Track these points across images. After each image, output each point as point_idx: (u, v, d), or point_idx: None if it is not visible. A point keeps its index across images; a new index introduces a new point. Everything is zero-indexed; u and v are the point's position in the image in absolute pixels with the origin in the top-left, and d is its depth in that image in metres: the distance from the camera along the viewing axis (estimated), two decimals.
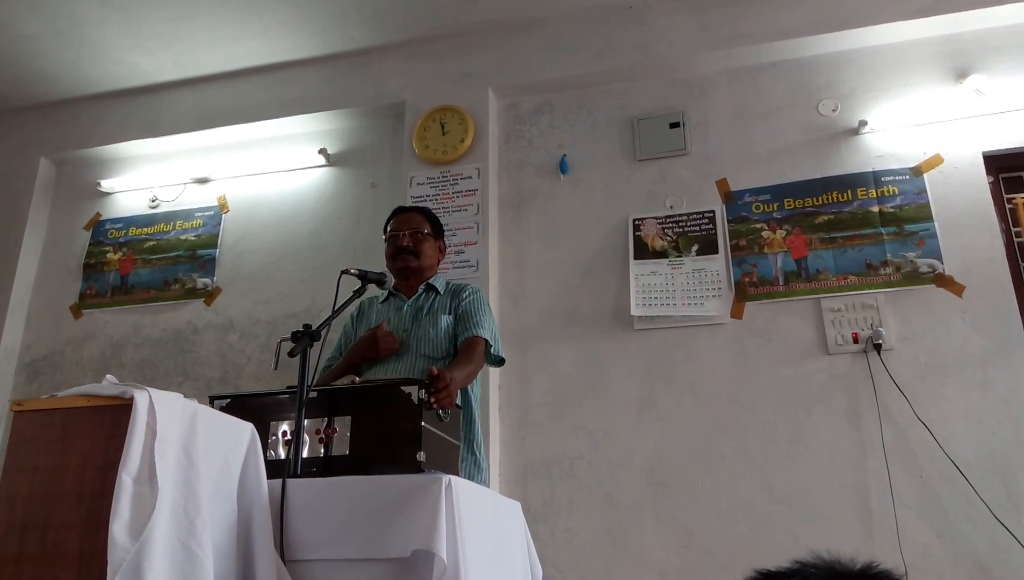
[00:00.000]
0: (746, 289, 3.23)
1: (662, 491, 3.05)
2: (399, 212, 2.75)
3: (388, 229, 2.71)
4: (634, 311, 3.27)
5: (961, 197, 3.12)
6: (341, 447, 1.82)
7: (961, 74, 3.25)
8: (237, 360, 3.78)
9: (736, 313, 3.21)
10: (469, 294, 2.58)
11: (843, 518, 2.85)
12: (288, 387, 1.96)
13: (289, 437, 1.83)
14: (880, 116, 3.29)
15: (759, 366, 3.12)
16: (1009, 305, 2.95)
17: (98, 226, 4.29)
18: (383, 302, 2.68)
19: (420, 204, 3.52)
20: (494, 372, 3.28)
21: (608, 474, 3.13)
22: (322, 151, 4.00)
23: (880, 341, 2.97)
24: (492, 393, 3.28)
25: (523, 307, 3.47)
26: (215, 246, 4.04)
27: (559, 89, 3.77)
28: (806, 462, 2.95)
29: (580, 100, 3.74)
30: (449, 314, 2.53)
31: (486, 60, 3.82)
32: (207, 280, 3.99)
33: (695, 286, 3.28)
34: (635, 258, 3.38)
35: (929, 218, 3.12)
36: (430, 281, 2.64)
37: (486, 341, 2.45)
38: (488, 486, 2.42)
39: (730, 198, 3.39)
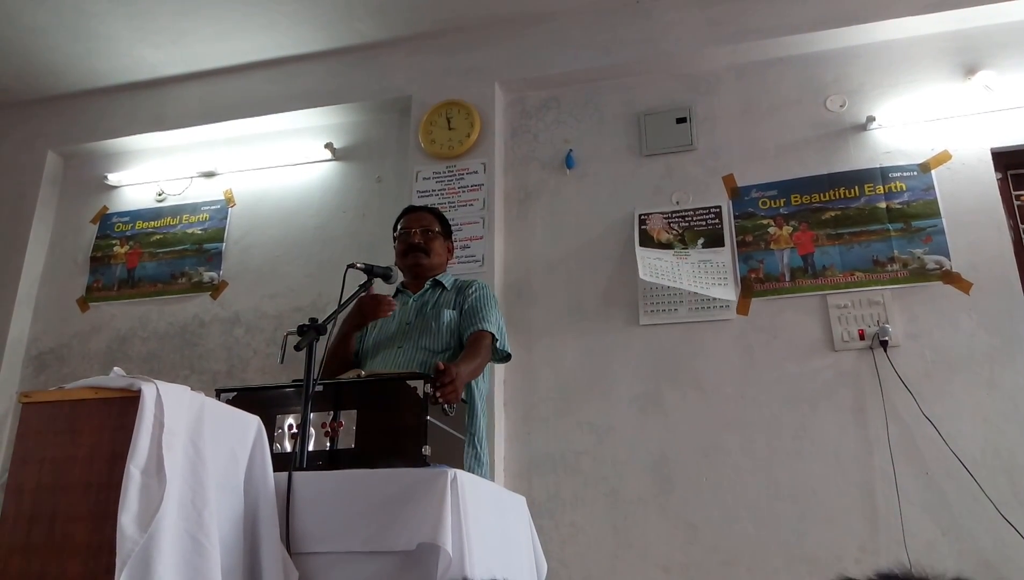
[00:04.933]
0: (752, 285, 3.22)
1: (667, 487, 3.05)
2: (410, 211, 2.78)
3: (398, 227, 2.73)
4: (642, 275, 3.20)
5: (969, 194, 3.10)
6: (347, 441, 1.83)
7: (970, 70, 3.23)
8: (243, 354, 3.79)
9: (742, 309, 3.21)
10: (476, 290, 2.58)
11: (848, 515, 2.85)
12: (294, 381, 1.97)
13: (295, 430, 1.84)
14: (888, 112, 3.28)
15: (765, 362, 3.11)
16: (1016, 302, 2.94)
17: (105, 219, 4.30)
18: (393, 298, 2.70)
19: (426, 199, 3.53)
20: (499, 367, 3.28)
21: (613, 469, 3.13)
22: (328, 145, 4.00)
23: (886, 338, 2.96)
24: (497, 388, 3.28)
25: (528, 302, 3.47)
26: (221, 240, 4.05)
27: (565, 84, 3.76)
28: (811, 459, 2.95)
29: (586, 95, 3.73)
30: (453, 309, 2.53)
31: (492, 55, 3.82)
32: (213, 274, 4.00)
33: (701, 275, 3.26)
34: (640, 246, 3.36)
35: (937, 215, 3.11)
36: (437, 277, 2.65)
37: (492, 335, 2.46)
38: (489, 480, 2.43)
39: (737, 194, 3.38)
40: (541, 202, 3.63)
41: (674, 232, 3.39)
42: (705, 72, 3.60)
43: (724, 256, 3.29)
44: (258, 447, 1.58)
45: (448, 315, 2.51)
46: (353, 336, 2.55)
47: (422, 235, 2.65)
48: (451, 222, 2.85)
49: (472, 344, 2.41)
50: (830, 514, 2.86)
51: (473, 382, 2.49)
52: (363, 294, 2.38)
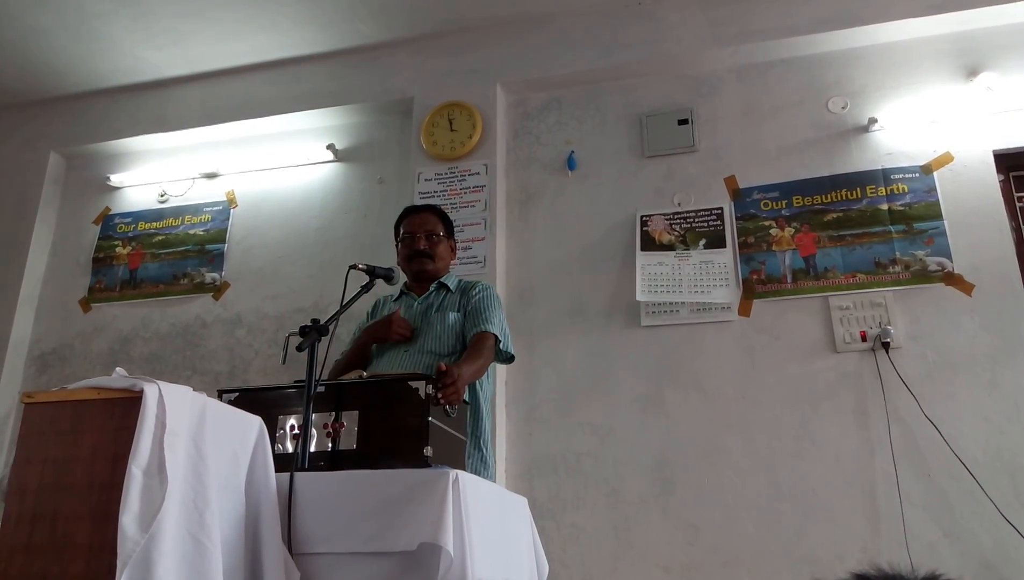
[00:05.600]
0: (754, 286, 3.22)
1: (668, 488, 3.05)
2: (412, 212, 2.74)
3: (401, 229, 2.71)
4: (639, 297, 3.26)
5: (971, 195, 3.10)
6: (348, 441, 1.83)
7: (972, 72, 3.23)
8: (245, 354, 3.79)
9: (744, 310, 3.21)
10: (480, 291, 2.58)
11: (850, 516, 2.85)
12: (296, 381, 1.97)
13: (297, 431, 1.84)
14: (890, 114, 3.28)
15: (766, 364, 3.11)
16: (1018, 304, 2.94)
17: (107, 220, 4.31)
18: (396, 300, 2.69)
19: (427, 200, 3.52)
20: (501, 368, 3.28)
21: (614, 470, 3.13)
22: (330, 147, 4.00)
23: (888, 339, 2.96)
24: (499, 389, 3.28)
25: (530, 303, 3.47)
26: (223, 241, 4.06)
27: (567, 85, 3.76)
28: (813, 460, 2.94)
29: (588, 96, 3.74)
30: (458, 311, 2.53)
31: (494, 56, 3.82)
32: (215, 275, 4.00)
33: (702, 276, 3.27)
34: (642, 250, 3.37)
35: (939, 216, 3.10)
36: (442, 279, 2.65)
37: (495, 337, 2.45)
38: (494, 482, 2.43)
39: (738, 195, 3.38)
40: (543, 203, 3.63)
41: (676, 233, 3.39)
42: (707, 73, 3.61)
43: (726, 256, 3.29)
44: (260, 448, 1.58)
45: (453, 317, 2.51)
46: (371, 346, 2.56)
47: (427, 240, 2.64)
48: (452, 223, 2.85)
49: (474, 345, 2.41)
50: (831, 515, 2.86)
51: (477, 384, 2.49)
52: (394, 314, 2.46)
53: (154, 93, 4.33)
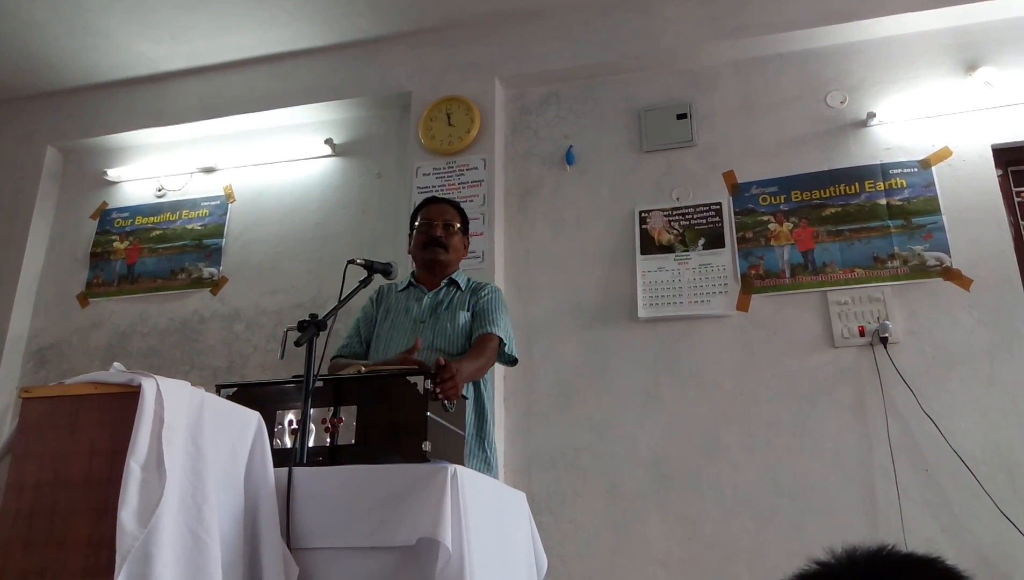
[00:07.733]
0: (752, 281, 3.22)
1: (666, 483, 3.06)
2: (432, 202, 2.74)
3: (419, 218, 2.70)
4: (641, 313, 3.27)
5: (969, 190, 3.10)
6: (347, 436, 1.82)
7: (970, 66, 3.23)
8: (243, 349, 3.79)
9: (742, 305, 3.21)
10: (488, 293, 2.58)
11: (848, 511, 2.85)
12: (294, 376, 1.97)
13: (295, 426, 1.84)
14: (888, 108, 3.27)
15: (764, 358, 3.11)
16: (1016, 299, 2.94)
17: (105, 215, 4.30)
18: (402, 290, 2.67)
19: (426, 195, 3.51)
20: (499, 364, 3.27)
21: (613, 465, 3.13)
22: (328, 141, 4.00)
23: (886, 334, 2.96)
24: (497, 384, 3.28)
25: (529, 298, 3.47)
26: (221, 236, 4.05)
27: (565, 80, 3.76)
28: (811, 455, 2.95)
29: (587, 91, 3.73)
30: (467, 311, 2.53)
31: (493, 50, 3.81)
32: (213, 270, 3.99)
33: (701, 281, 3.27)
34: (642, 253, 3.37)
35: (937, 211, 3.10)
36: (453, 276, 2.64)
37: (500, 338, 2.45)
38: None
39: (737, 190, 3.38)
40: (541, 198, 3.63)
41: (675, 232, 3.38)
42: (705, 68, 3.60)
43: (725, 258, 3.29)
44: (258, 443, 1.58)
45: (464, 317, 2.51)
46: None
47: (444, 229, 2.63)
48: (469, 220, 2.81)
49: (478, 345, 2.41)
50: (830, 510, 2.87)
51: (482, 385, 2.50)
52: (404, 353, 2.26)
53: (151, 87, 4.31)
